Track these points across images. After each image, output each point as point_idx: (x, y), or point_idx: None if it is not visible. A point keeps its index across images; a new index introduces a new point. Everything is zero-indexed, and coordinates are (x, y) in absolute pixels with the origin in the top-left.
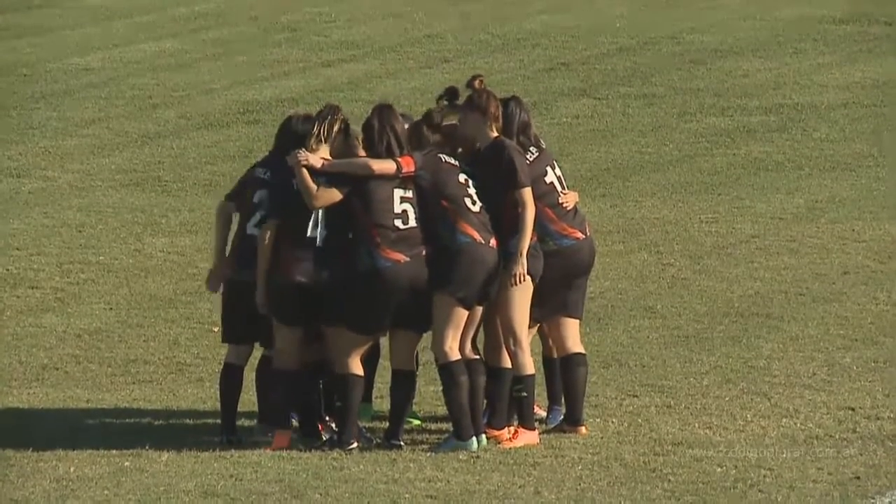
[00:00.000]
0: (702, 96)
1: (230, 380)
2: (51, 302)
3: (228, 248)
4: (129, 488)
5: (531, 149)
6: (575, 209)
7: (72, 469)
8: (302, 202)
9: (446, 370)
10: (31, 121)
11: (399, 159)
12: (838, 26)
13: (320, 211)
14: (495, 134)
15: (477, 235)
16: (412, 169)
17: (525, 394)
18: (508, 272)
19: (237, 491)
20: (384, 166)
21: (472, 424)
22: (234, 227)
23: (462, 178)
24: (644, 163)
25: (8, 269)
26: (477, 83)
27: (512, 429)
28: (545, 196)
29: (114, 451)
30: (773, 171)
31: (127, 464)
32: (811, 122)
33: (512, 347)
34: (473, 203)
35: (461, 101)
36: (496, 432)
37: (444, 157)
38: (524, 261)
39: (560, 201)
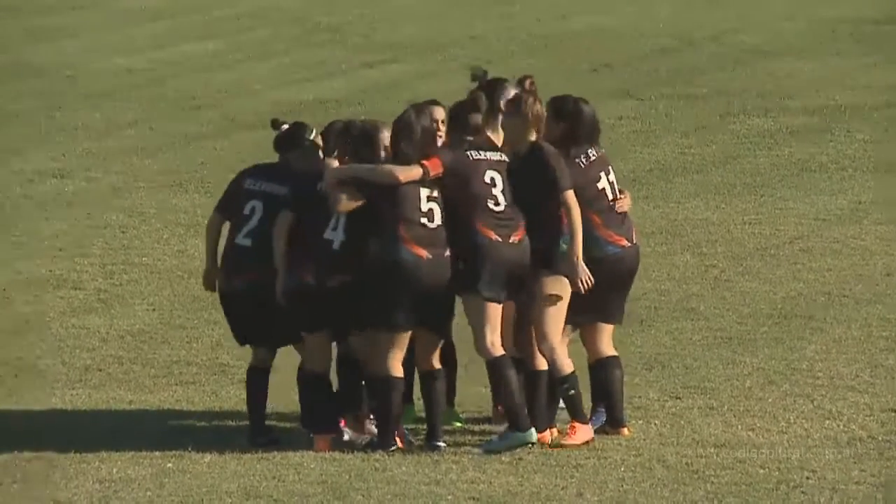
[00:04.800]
0: (744, 97)
1: (252, 383)
2: (94, 303)
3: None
4: (171, 490)
5: (590, 151)
6: (624, 216)
7: (115, 470)
8: (321, 204)
9: (493, 366)
10: (75, 122)
11: (425, 163)
12: (880, 27)
13: (342, 215)
14: (533, 138)
15: (493, 235)
16: (440, 171)
17: (573, 391)
18: (572, 281)
19: (280, 492)
20: (410, 174)
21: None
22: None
23: (489, 176)
24: (687, 164)
25: (51, 271)
26: (528, 84)
27: (554, 431)
28: (594, 202)
29: (156, 453)
30: (816, 172)
31: (170, 465)
32: (854, 123)
33: (546, 353)
34: (496, 204)
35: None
36: (539, 435)
37: (473, 153)
38: (582, 265)
39: (609, 206)
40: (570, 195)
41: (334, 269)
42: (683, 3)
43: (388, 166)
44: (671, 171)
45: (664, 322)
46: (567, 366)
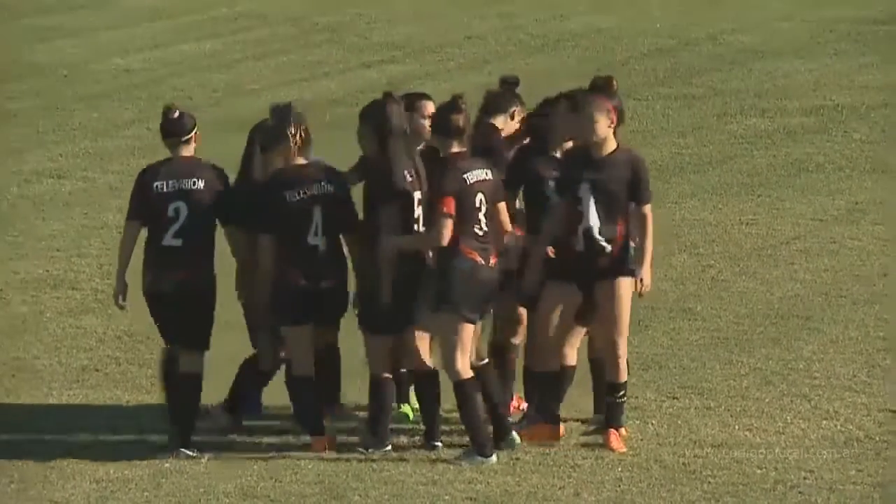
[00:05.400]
0: (742, 97)
1: (183, 388)
2: (91, 303)
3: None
4: (168, 490)
5: None
6: None
7: (111, 471)
8: (297, 214)
9: (460, 388)
10: (72, 122)
11: (444, 209)
12: (878, 27)
13: (319, 219)
14: (615, 143)
15: (478, 258)
16: (454, 203)
17: (625, 399)
18: (642, 283)
19: (277, 492)
20: (446, 231)
21: (501, 426)
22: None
23: (478, 199)
24: (683, 164)
25: (48, 271)
26: (615, 85)
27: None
28: None
29: (153, 453)
30: (813, 172)
31: (167, 465)
32: (851, 124)
33: (621, 355)
34: (480, 228)
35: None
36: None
37: (469, 176)
38: (650, 271)
39: None
40: (650, 208)
41: (326, 271)
42: (680, 3)
43: (430, 235)
44: (668, 172)
45: (661, 322)
46: (625, 372)
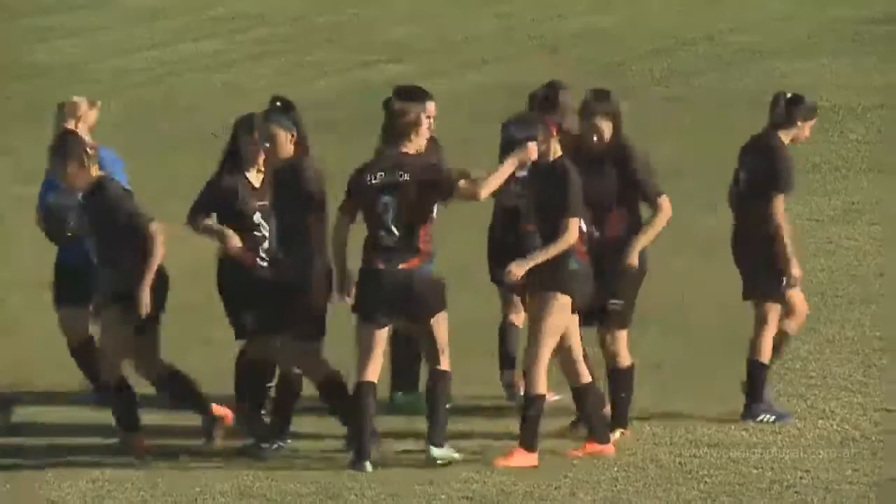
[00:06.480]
0: (739, 97)
1: None
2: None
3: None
4: (164, 489)
5: None
6: None
7: (108, 470)
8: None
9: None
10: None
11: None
12: (876, 27)
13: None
14: (559, 152)
15: (380, 263)
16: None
17: (538, 414)
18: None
19: (273, 492)
20: (339, 228)
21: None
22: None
23: (382, 202)
24: (681, 165)
25: (46, 270)
26: (558, 94)
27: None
28: None
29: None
30: (809, 172)
31: (163, 465)
32: (848, 124)
33: (533, 374)
34: (388, 233)
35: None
36: (601, 447)
37: (370, 177)
38: (524, 266)
39: None
40: (574, 222)
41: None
42: (678, 3)
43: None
44: (665, 172)
45: (658, 322)
46: (543, 387)
